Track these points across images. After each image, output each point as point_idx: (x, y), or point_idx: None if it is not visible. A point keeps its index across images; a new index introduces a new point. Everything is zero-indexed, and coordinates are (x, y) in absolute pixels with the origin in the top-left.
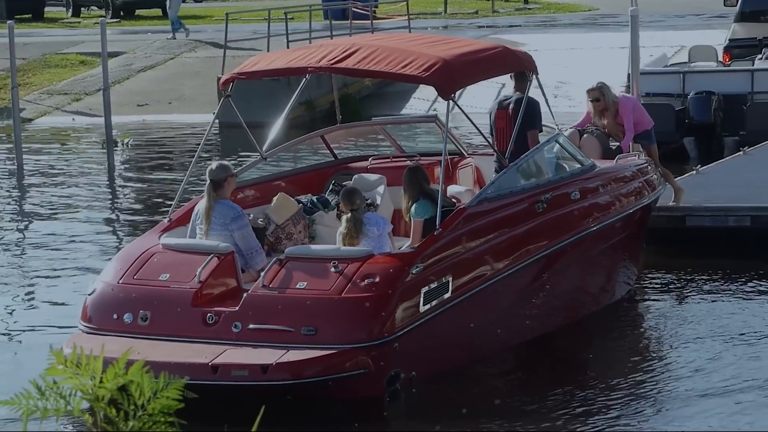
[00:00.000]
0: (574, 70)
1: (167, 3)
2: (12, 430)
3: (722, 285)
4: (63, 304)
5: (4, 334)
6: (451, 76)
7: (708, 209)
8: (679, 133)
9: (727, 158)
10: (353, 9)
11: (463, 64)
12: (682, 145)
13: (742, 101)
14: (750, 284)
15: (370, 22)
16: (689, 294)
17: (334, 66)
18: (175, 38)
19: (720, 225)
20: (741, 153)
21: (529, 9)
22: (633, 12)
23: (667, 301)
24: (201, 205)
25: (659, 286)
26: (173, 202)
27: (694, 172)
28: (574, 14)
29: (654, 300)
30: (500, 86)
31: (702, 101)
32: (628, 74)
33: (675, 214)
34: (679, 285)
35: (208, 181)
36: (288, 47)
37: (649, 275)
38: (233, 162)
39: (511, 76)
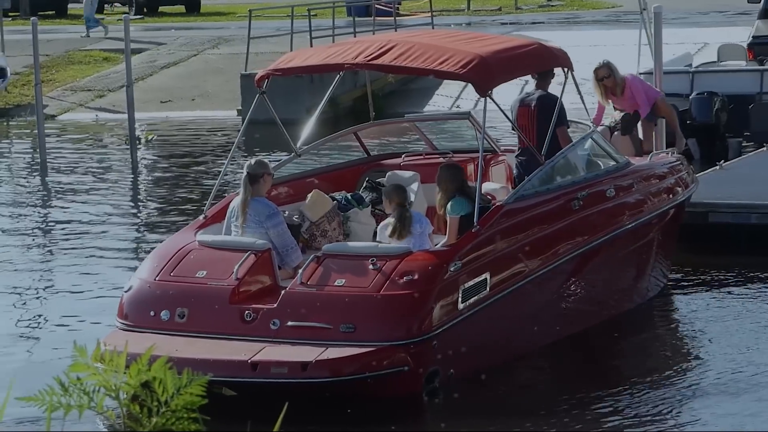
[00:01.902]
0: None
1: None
2: (37, 429)
3: (748, 283)
4: (89, 300)
5: (34, 330)
6: (488, 73)
7: (731, 206)
8: (683, 134)
9: (750, 155)
10: (376, 6)
11: (500, 61)
12: (687, 145)
13: (750, 102)
14: None
15: (393, 18)
16: (715, 292)
17: (370, 62)
18: (89, 36)
19: (743, 222)
20: (765, 149)
21: (552, 6)
22: (656, 9)
23: (695, 299)
24: (236, 201)
25: (686, 283)
26: (208, 199)
27: (718, 167)
28: (597, 11)
29: (682, 297)
30: (523, 83)
31: (703, 102)
32: (638, 73)
33: (698, 210)
34: (705, 283)
35: (245, 174)
36: (311, 44)
37: (674, 273)
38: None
39: (533, 75)
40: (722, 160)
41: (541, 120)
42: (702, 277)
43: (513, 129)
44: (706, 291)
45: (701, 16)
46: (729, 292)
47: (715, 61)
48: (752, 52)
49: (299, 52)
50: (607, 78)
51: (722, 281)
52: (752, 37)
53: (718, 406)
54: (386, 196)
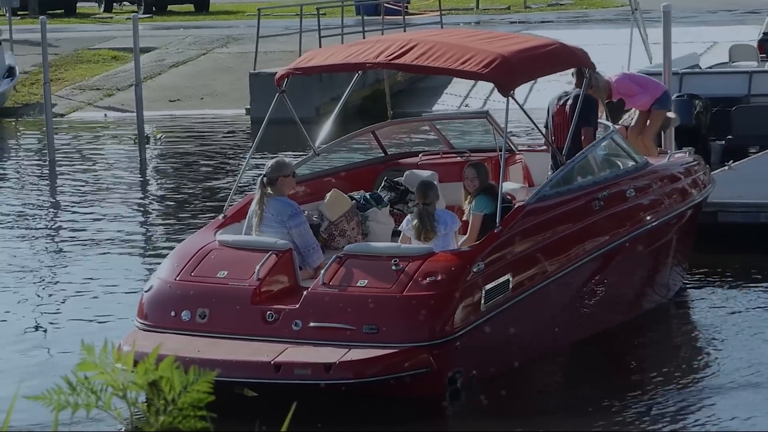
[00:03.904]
0: (607, 66)
1: None
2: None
3: (759, 281)
4: (100, 299)
5: (46, 330)
6: (510, 73)
7: (740, 205)
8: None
9: (759, 155)
10: (385, 5)
11: (522, 61)
12: None
13: (738, 104)
14: None
15: (402, 17)
16: (727, 292)
17: (391, 62)
18: None
19: (752, 221)
20: None
21: (561, 5)
22: (665, 8)
23: (707, 299)
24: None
25: (697, 283)
26: (228, 199)
27: (726, 167)
28: (607, 10)
29: (695, 298)
30: (531, 83)
31: (683, 104)
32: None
33: (707, 209)
34: (717, 282)
35: (261, 177)
36: (320, 43)
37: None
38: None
39: (572, 73)
40: (731, 161)
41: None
42: (713, 276)
43: (539, 129)
44: (718, 291)
45: (710, 15)
46: (741, 292)
47: (726, 62)
48: (763, 48)
49: (319, 51)
50: (589, 88)
51: (733, 281)
52: (763, 33)
53: (737, 405)
54: (415, 193)
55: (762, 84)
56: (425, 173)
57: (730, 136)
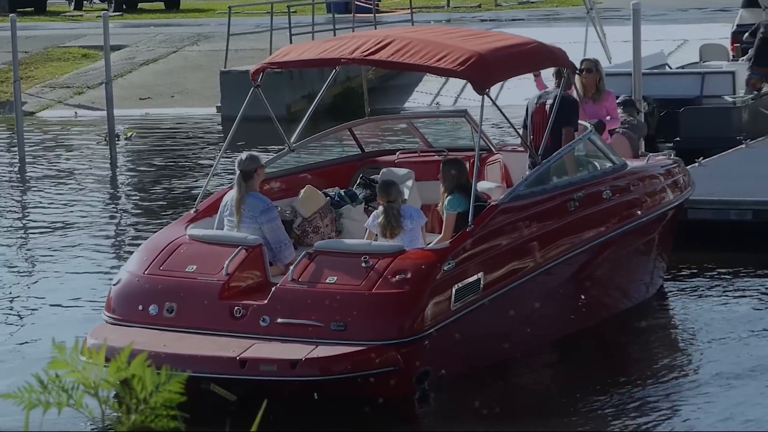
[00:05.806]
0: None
1: None
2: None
3: (731, 278)
4: (69, 294)
5: (18, 327)
6: (486, 71)
7: (710, 202)
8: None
9: (729, 151)
10: (356, 2)
11: (499, 59)
12: None
13: (689, 105)
14: (757, 279)
15: (372, 15)
16: (700, 289)
17: (367, 58)
18: None
19: (722, 218)
20: (743, 147)
21: (532, 3)
22: (635, 6)
23: (681, 295)
24: (229, 196)
25: (670, 281)
26: (200, 194)
27: (696, 164)
28: (577, 8)
29: (669, 295)
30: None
31: (629, 105)
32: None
33: None
34: (690, 279)
35: (238, 172)
36: (291, 41)
37: None
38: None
39: (553, 73)
40: (701, 158)
41: (555, 119)
42: (686, 273)
43: (513, 127)
44: (692, 288)
45: (681, 13)
46: (714, 288)
47: (697, 62)
48: (736, 40)
49: (294, 46)
50: (588, 72)
51: (706, 278)
52: (736, 25)
53: (720, 400)
54: (377, 192)
55: (714, 85)
56: (402, 171)
57: (678, 138)
